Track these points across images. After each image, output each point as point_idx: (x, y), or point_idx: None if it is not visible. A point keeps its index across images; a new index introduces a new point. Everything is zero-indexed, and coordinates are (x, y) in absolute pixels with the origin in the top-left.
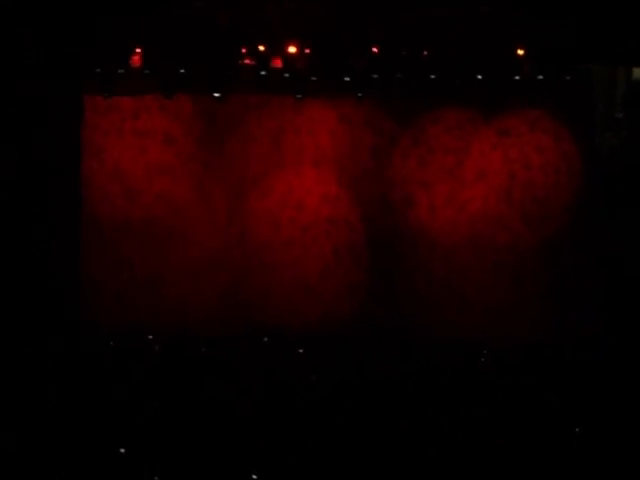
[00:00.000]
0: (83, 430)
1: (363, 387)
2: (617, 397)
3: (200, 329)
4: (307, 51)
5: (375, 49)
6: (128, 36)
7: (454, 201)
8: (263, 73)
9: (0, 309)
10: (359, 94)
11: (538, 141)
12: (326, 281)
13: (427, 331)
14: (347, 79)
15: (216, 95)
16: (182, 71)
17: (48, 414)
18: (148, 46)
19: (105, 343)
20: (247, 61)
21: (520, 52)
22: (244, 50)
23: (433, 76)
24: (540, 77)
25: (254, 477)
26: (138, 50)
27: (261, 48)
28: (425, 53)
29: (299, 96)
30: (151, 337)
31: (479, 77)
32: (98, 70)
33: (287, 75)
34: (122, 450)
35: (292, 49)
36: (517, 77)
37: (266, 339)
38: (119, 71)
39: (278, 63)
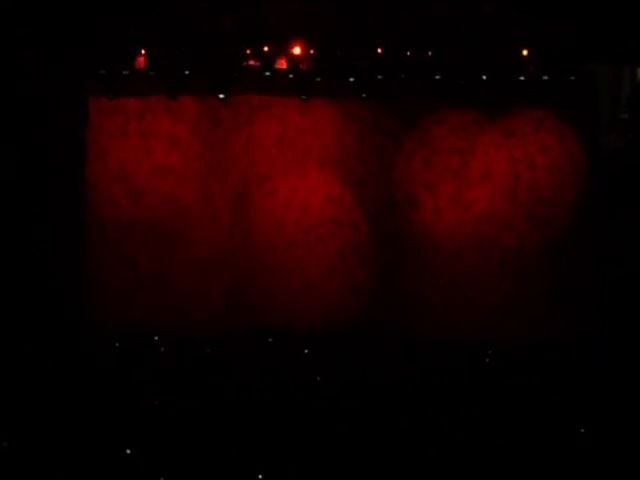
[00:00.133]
0: (83, 430)
1: (368, 388)
2: (617, 396)
3: (204, 329)
4: (311, 52)
5: (379, 50)
6: (132, 38)
7: (459, 202)
8: (267, 74)
9: (0, 309)
10: (363, 95)
11: (543, 141)
12: (330, 282)
13: (431, 331)
14: (352, 80)
15: (221, 96)
16: (187, 72)
17: (48, 414)
18: (153, 48)
19: (110, 343)
20: (251, 62)
21: (524, 53)
22: (248, 51)
23: (437, 77)
24: (545, 78)
25: (260, 477)
26: (143, 52)
27: (265, 49)
28: (429, 54)
29: (304, 97)
30: (156, 338)
31: (483, 78)
32: (102, 71)
33: (291, 76)
34: (128, 451)
35: (297, 50)
36: (522, 78)
37: (270, 339)
38: (124, 72)
39: (283, 64)
